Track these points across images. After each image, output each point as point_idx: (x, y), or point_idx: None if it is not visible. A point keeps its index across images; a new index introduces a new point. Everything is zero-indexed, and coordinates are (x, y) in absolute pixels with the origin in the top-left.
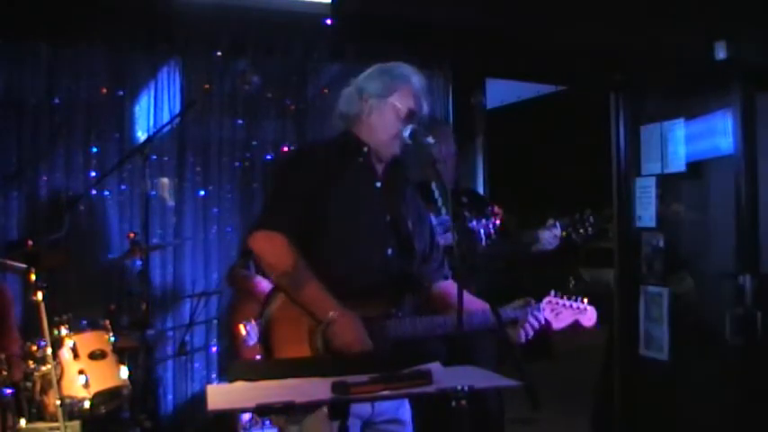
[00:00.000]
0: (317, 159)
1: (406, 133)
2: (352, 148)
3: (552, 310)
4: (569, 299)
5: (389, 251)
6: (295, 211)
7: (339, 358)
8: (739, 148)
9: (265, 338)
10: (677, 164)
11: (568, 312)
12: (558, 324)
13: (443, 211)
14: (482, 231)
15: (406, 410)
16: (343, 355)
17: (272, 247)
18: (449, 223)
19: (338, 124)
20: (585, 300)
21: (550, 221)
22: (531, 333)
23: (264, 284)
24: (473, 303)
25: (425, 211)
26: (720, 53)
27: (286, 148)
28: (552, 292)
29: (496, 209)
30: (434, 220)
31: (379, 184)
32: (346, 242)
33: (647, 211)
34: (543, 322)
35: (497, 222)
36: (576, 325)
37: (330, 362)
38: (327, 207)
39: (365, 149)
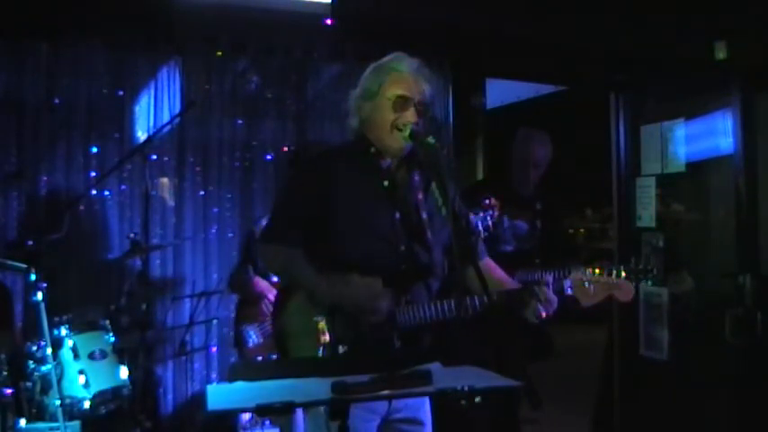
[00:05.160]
0: (321, 167)
1: (406, 133)
2: (361, 149)
3: (579, 287)
4: (602, 274)
5: (401, 247)
6: (295, 222)
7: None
8: (739, 148)
9: (278, 334)
10: (677, 164)
11: (600, 288)
12: (588, 301)
13: (443, 211)
14: (480, 225)
15: (425, 412)
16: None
17: (271, 253)
18: (524, 229)
19: (351, 125)
20: (623, 274)
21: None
22: (547, 310)
23: (263, 284)
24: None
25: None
26: (720, 53)
27: (286, 148)
28: (581, 269)
29: (492, 201)
30: (506, 223)
31: (386, 183)
32: (355, 243)
33: (647, 211)
34: (558, 300)
35: (495, 214)
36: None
37: (330, 362)
38: (335, 210)
39: (372, 150)
